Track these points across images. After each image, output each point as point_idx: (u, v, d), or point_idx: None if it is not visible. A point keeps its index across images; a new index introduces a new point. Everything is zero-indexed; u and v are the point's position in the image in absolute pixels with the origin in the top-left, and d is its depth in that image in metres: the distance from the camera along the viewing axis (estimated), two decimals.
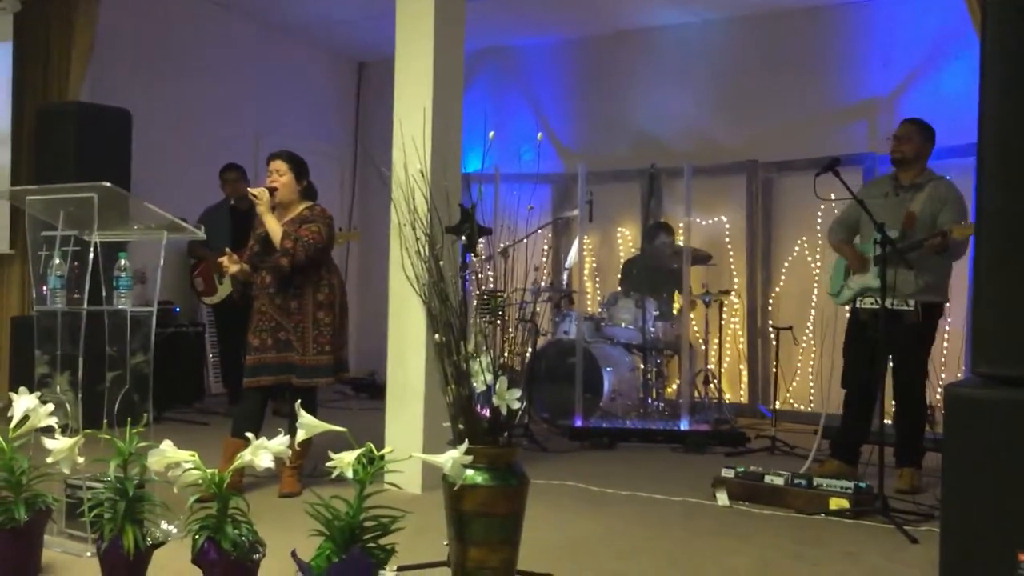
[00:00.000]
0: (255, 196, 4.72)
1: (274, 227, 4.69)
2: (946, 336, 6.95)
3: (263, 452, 2.82)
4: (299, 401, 2.94)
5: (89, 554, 3.47)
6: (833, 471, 5.01)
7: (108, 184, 3.79)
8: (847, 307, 5.36)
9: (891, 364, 4.76)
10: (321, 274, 4.79)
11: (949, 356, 6.98)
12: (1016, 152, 3.08)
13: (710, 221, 8.20)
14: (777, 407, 7.34)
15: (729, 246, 8.15)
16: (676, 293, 7.41)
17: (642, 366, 7.21)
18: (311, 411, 2.69)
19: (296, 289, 4.72)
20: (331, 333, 4.77)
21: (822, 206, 5.60)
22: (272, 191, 4.75)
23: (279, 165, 4.82)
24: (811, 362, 7.61)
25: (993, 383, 2.93)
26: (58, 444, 3.11)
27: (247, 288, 4.97)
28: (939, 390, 6.20)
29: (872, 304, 4.84)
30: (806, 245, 7.74)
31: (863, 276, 5.08)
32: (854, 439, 5.19)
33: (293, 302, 4.71)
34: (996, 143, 3.12)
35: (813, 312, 7.65)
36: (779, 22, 8.00)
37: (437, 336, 3.24)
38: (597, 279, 8.76)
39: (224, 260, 4.80)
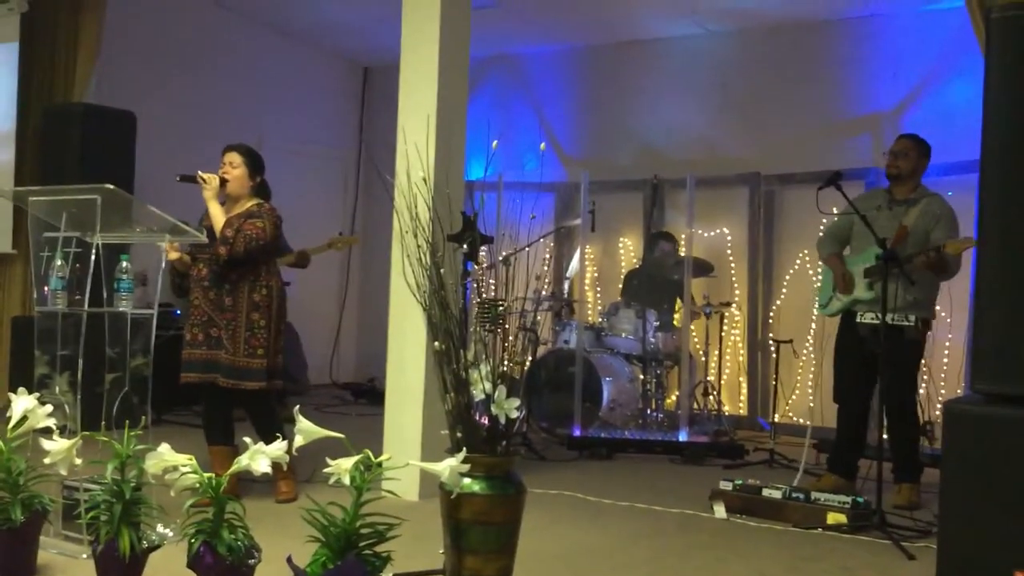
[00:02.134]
0: (203, 180, 4.62)
1: (217, 215, 4.59)
2: (946, 352, 6.94)
3: (260, 457, 2.82)
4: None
5: (85, 556, 3.47)
6: (830, 485, 5.00)
7: (111, 186, 3.80)
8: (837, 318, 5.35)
9: (883, 379, 4.74)
10: (260, 274, 4.66)
11: (949, 372, 6.98)
12: (1019, 171, 3.08)
13: (712, 233, 8.20)
14: (776, 420, 7.33)
15: (731, 258, 8.15)
16: (677, 304, 7.41)
17: (642, 377, 7.21)
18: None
19: (231, 286, 4.60)
20: (265, 337, 4.61)
21: (824, 220, 5.60)
22: (223, 182, 4.65)
23: (233, 157, 4.71)
24: (811, 376, 7.60)
25: (992, 400, 2.92)
26: (56, 445, 3.11)
27: (184, 280, 4.84)
28: (939, 406, 6.19)
29: (873, 319, 4.84)
30: (808, 258, 7.74)
31: (848, 294, 5.10)
32: (851, 454, 5.18)
33: (227, 299, 4.59)
34: (999, 161, 3.13)
35: (813, 326, 7.64)
36: (784, 35, 8.01)
37: (437, 344, 3.24)
38: (598, 289, 8.76)
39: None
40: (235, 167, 4.69)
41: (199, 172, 4.69)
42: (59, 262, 3.87)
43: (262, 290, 4.66)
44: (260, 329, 4.62)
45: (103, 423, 3.73)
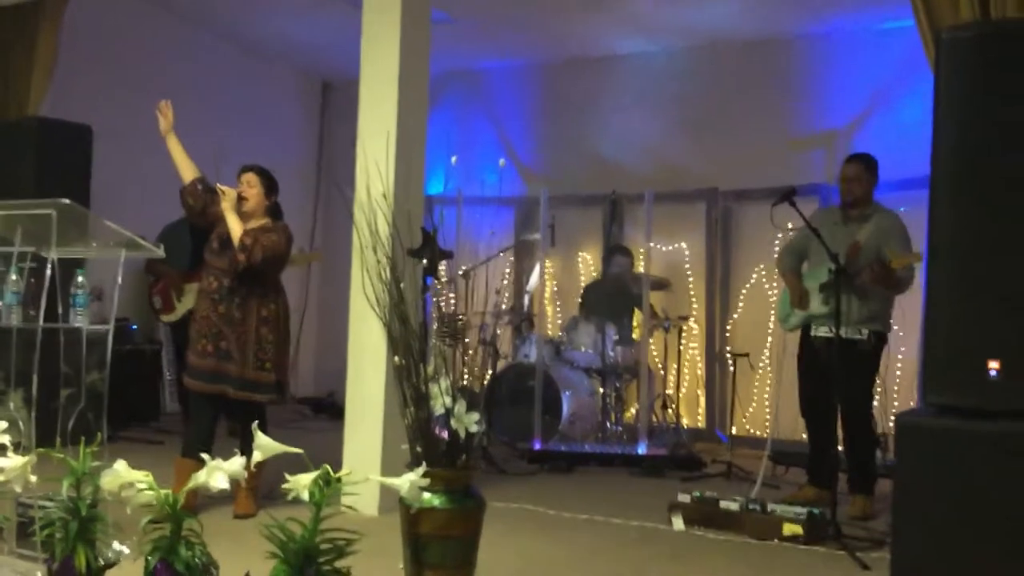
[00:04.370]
0: (222, 191, 4.72)
1: (235, 225, 4.67)
2: (899, 366, 7.05)
3: (218, 473, 2.80)
4: (255, 422, 2.94)
5: (40, 574, 3.42)
6: (810, 497, 5.06)
7: (67, 201, 3.76)
8: (797, 333, 5.42)
9: (841, 392, 4.81)
10: (268, 290, 4.78)
11: (902, 386, 7.08)
12: (967, 186, 3.16)
13: (670, 247, 8.27)
14: (734, 433, 7.40)
15: (688, 272, 8.23)
16: (635, 317, 7.46)
17: (601, 390, 7.25)
18: (261, 430, 2.69)
19: (241, 300, 4.69)
20: (273, 352, 4.74)
21: (780, 235, 5.68)
22: (241, 199, 4.75)
23: (251, 178, 4.84)
24: (767, 388, 7.68)
25: (944, 413, 2.98)
26: (10, 462, 3.07)
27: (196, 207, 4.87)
28: (892, 418, 6.28)
29: (826, 332, 4.91)
30: (764, 273, 7.83)
31: (810, 301, 5.17)
32: (826, 465, 5.15)
33: (237, 312, 4.68)
34: (948, 177, 3.20)
35: (770, 339, 7.73)
36: (740, 52, 8.12)
37: (397, 358, 3.25)
38: (558, 303, 8.80)
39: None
40: (251, 186, 4.82)
41: (218, 184, 4.80)
42: (14, 277, 3.83)
43: (270, 305, 4.76)
44: (268, 343, 4.72)
45: (58, 439, 3.68)
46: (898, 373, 7.06)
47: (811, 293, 5.18)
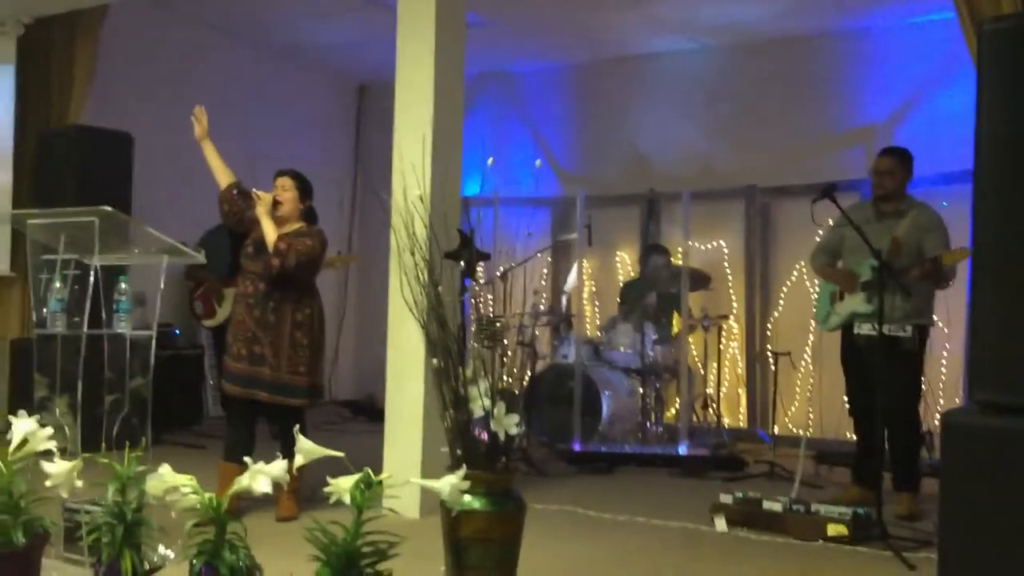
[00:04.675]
0: (258, 197, 4.76)
1: (269, 229, 4.71)
2: (944, 363, 6.95)
3: (261, 476, 2.82)
4: (296, 427, 2.95)
5: None
6: (855, 497, 5.00)
7: (109, 208, 3.81)
8: (837, 332, 5.34)
9: (885, 389, 4.74)
10: (303, 295, 4.80)
11: (947, 383, 6.99)
12: (1013, 180, 3.10)
13: (708, 246, 8.22)
14: (776, 432, 7.34)
15: (728, 271, 8.17)
16: (674, 317, 7.42)
17: (641, 390, 7.21)
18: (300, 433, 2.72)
19: (275, 304, 4.72)
20: (307, 356, 4.75)
21: (820, 232, 5.62)
22: (276, 203, 4.79)
23: (285, 182, 4.88)
24: (810, 387, 7.61)
25: (990, 411, 2.93)
26: (57, 468, 3.10)
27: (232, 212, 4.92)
28: (937, 416, 6.20)
29: (870, 331, 4.84)
30: (804, 270, 7.76)
31: (851, 300, 5.08)
32: (872, 464, 5.09)
33: (271, 316, 4.71)
34: (993, 171, 3.14)
35: (811, 337, 7.66)
36: (777, 49, 8.05)
37: (435, 361, 3.25)
38: (596, 303, 8.78)
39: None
40: (287, 191, 4.86)
41: (254, 189, 4.84)
42: (58, 284, 3.88)
43: (305, 309, 4.78)
44: (302, 348, 4.74)
45: (103, 444, 3.73)
46: (943, 370, 6.96)
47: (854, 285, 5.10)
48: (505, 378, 3.40)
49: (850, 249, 5.10)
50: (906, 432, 5.04)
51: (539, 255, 8.09)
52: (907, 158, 5.15)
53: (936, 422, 6.23)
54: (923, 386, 5.21)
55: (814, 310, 5.61)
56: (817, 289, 5.64)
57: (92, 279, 3.84)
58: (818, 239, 5.65)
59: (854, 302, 5.08)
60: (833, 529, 4.39)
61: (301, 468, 2.81)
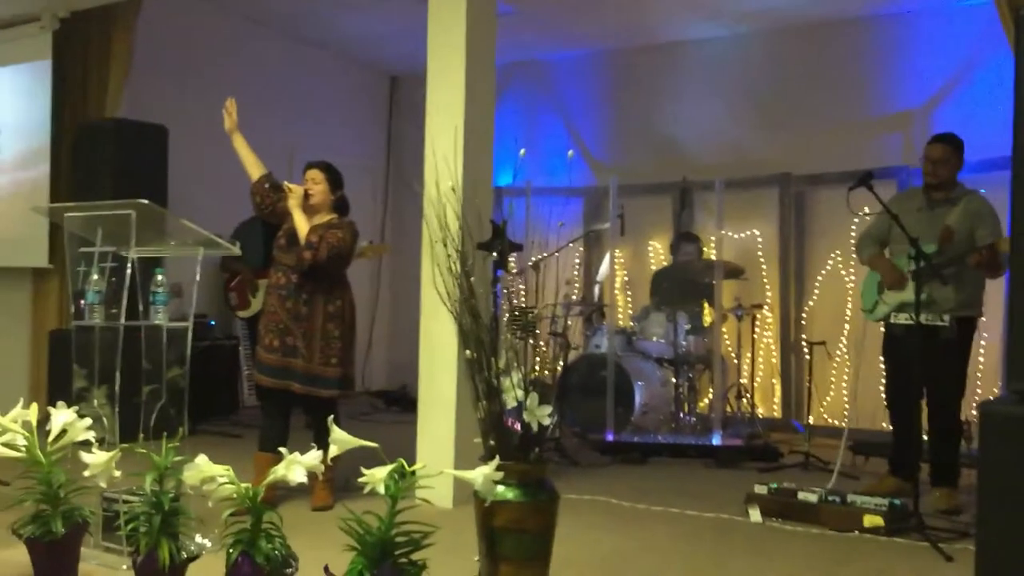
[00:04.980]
0: (289, 189, 4.81)
1: (301, 222, 4.74)
2: (982, 352, 6.86)
3: (296, 466, 2.84)
4: (331, 416, 2.97)
5: (125, 567, 3.52)
6: (891, 488, 4.95)
7: (146, 201, 3.86)
8: (881, 322, 5.28)
9: (926, 381, 4.68)
10: (334, 286, 4.82)
11: (985, 372, 6.90)
12: None
13: (742, 235, 8.17)
14: (811, 422, 7.28)
15: (762, 259, 8.11)
16: (706, 306, 7.38)
17: (674, 380, 7.19)
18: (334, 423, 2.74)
19: (307, 296, 4.74)
20: (339, 347, 4.77)
21: (856, 220, 5.55)
22: (307, 195, 4.82)
23: (315, 174, 4.91)
24: (845, 377, 7.55)
25: None
26: (95, 458, 3.15)
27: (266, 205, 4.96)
28: (974, 407, 6.13)
29: (907, 319, 4.79)
30: (840, 259, 7.69)
31: (900, 291, 5.00)
32: (909, 455, 4.97)
33: (303, 308, 4.74)
34: None
35: (847, 327, 7.59)
36: (811, 35, 7.97)
37: (468, 352, 3.25)
38: (628, 293, 8.75)
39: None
40: (317, 183, 4.89)
41: (285, 182, 4.89)
42: (95, 276, 3.93)
43: (336, 301, 4.81)
44: (335, 339, 4.77)
45: (141, 435, 3.78)
46: (981, 360, 6.88)
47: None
48: (538, 368, 3.40)
49: (896, 238, 5.00)
50: (946, 425, 4.96)
51: (571, 245, 8.07)
52: (959, 145, 5.05)
53: (974, 412, 6.17)
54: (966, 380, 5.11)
55: (851, 297, 5.54)
56: (855, 277, 5.57)
57: (129, 271, 3.88)
58: (855, 228, 5.59)
59: (905, 292, 4.97)
60: (869, 520, 4.36)
61: (335, 458, 2.83)
